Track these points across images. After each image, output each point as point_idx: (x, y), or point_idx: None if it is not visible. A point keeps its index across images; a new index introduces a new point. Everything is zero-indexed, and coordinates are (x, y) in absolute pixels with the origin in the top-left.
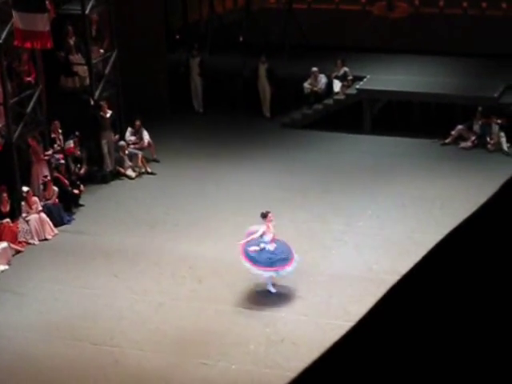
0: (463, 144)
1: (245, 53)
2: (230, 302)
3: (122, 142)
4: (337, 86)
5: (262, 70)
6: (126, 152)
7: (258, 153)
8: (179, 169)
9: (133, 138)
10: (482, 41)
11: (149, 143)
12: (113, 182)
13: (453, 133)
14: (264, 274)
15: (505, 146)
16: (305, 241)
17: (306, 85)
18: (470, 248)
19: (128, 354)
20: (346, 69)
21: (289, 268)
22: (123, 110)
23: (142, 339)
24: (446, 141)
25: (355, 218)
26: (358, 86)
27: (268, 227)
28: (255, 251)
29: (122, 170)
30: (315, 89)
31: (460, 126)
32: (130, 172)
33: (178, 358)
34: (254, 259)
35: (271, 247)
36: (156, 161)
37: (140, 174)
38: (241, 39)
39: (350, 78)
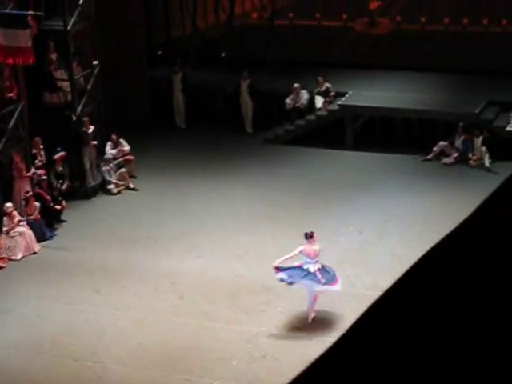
0: (445, 160)
1: (227, 68)
2: (213, 318)
3: (108, 155)
4: (319, 101)
5: (244, 85)
6: (111, 165)
7: (240, 168)
8: (161, 184)
9: (114, 152)
10: (464, 57)
11: (129, 155)
12: (95, 198)
13: (435, 149)
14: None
15: (487, 161)
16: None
17: (288, 101)
18: (451, 263)
19: (110, 370)
20: (328, 85)
21: (334, 287)
22: (105, 126)
23: (125, 355)
24: (428, 157)
25: (337, 233)
26: (339, 102)
27: (311, 248)
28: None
29: (110, 180)
30: (297, 105)
31: (442, 142)
32: (112, 187)
33: (160, 374)
34: (288, 271)
35: (312, 268)
36: (133, 176)
37: (122, 190)
38: (223, 55)
39: (332, 93)
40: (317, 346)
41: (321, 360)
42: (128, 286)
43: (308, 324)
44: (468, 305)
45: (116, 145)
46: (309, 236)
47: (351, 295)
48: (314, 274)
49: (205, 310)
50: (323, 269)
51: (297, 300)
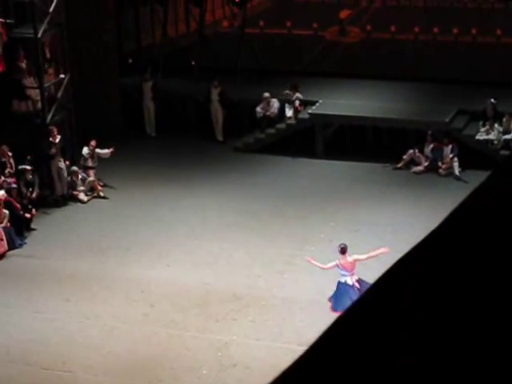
0: (415, 168)
1: (197, 77)
2: (183, 326)
3: (75, 168)
4: (289, 110)
5: (215, 94)
6: (80, 177)
7: (211, 177)
8: (132, 193)
9: (88, 151)
10: (434, 66)
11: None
12: (65, 207)
13: (404, 157)
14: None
15: (457, 170)
16: (257, 264)
17: (259, 109)
18: (420, 274)
19: (80, 379)
20: (298, 93)
21: None
22: (75, 134)
23: (95, 363)
24: (398, 165)
25: (307, 242)
26: (310, 111)
27: (346, 261)
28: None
29: (75, 192)
30: (268, 113)
31: (411, 151)
32: (82, 196)
33: (130, 383)
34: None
35: (350, 281)
36: (104, 185)
37: (92, 198)
38: (193, 63)
39: (301, 102)
40: (287, 355)
41: (290, 369)
42: (98, 294)
43: (279, 333)
44: (438, 314)
45: (92, 151)
46: (341, 250)
47: (321, 304)
48: (354, 287)
49: (175, 319)
50: (361, 280)
51: (267, 309)
